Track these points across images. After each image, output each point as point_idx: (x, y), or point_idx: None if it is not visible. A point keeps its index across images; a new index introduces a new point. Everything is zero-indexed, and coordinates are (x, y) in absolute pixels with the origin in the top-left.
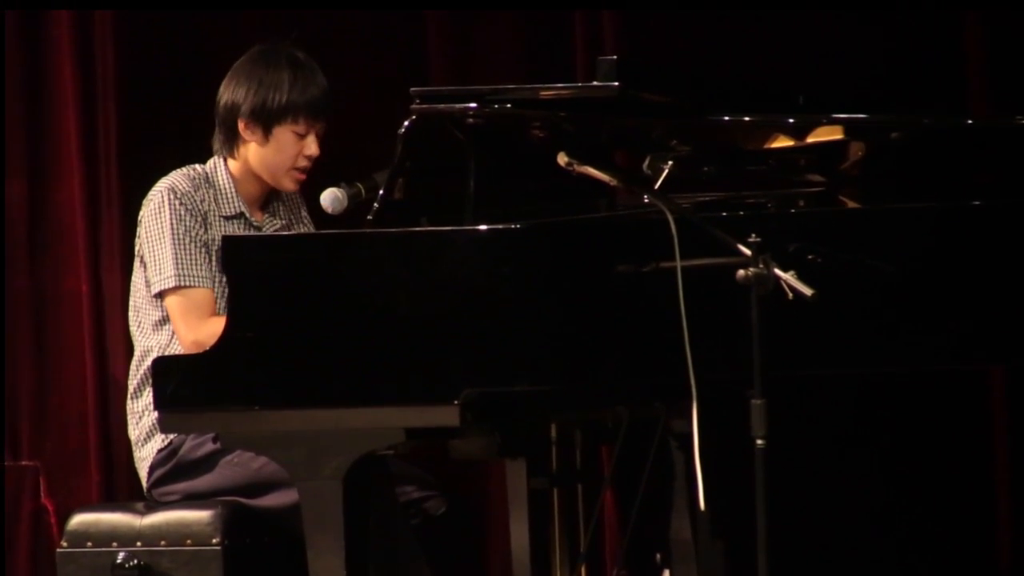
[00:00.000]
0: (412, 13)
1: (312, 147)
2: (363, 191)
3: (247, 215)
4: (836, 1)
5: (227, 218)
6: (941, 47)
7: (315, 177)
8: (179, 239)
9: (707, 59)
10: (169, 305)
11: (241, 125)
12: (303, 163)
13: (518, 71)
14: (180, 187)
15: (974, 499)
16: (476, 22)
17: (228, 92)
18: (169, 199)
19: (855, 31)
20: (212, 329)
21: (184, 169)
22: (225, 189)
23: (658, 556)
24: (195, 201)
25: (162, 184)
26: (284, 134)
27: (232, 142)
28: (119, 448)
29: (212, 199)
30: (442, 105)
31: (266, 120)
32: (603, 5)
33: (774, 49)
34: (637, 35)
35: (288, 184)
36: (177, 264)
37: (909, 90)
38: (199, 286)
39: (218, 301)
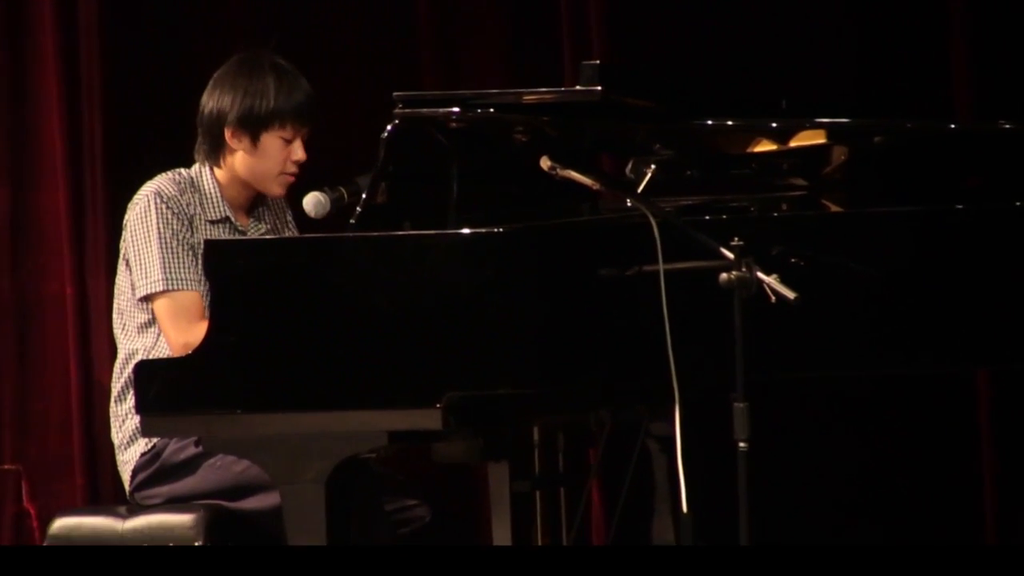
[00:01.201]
0: (400, 20)
1: (299, 152)
2: (346, 195)
3: (232, 219)
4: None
5: (213, 222)
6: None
7: (298, 181)
8: (166, 243)
9: (691, 64)
10: (158, 309)
11: (228, 134)
12: (291, 168)
13: (505, 76)
14: (166, 191)
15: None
16: (463, 24)
17: (212, 101)
18: (155, 203)
19: (839, 36)
20: (202, 332)
21: (169, 173)
22: (211, 193)
23: None
24: (181, 205)
25: (148, 188)
26: (272, 140)
27: (218, 151)
28: (103, 452)
29: (198, 203)
30: (425, 109)
31: (253, 128)
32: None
33: (758, 53)
34: (622, 38)
35: (276, 190)
36: (165, 268)
37: (892, 94)
38: (187, 289)
39: (205, 304)
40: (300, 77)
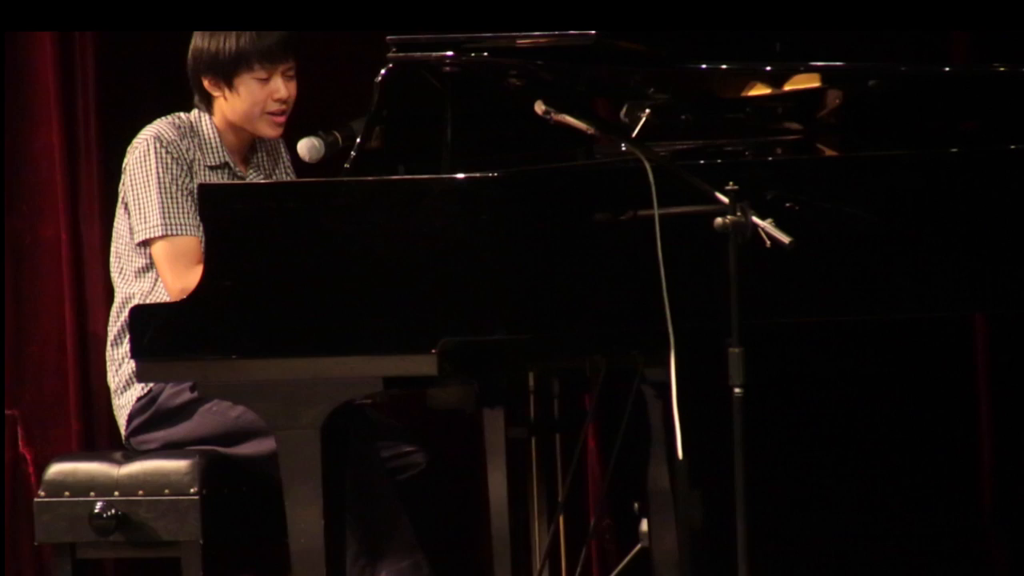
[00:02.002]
0: None
1: (280, 90)
2: (340, 140)
3: (232, 165)
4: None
5: (211, 168)
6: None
7: (292, 126)
8: (165, 187)
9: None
10: (156, 253)
11: (207, 83)
12: (275, 107)
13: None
14: (166, 135)
15: (956, 444)
16: None
17: (189, 54)
18: (155, 147)
19: None
20: (199, 277)
21: (169, 117)
22: (210, 139)
23: (636, 505)
24: (180, 150)
25: (147, 132)
26: (246, 83)
27: (206, 99)
28: (98, 397)
29: (197, 148)
30: (419, 53)
31: (225, 73)
32: None
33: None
34: None
35: (267, 130)
36: (164, 212)
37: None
38: (186, 234)
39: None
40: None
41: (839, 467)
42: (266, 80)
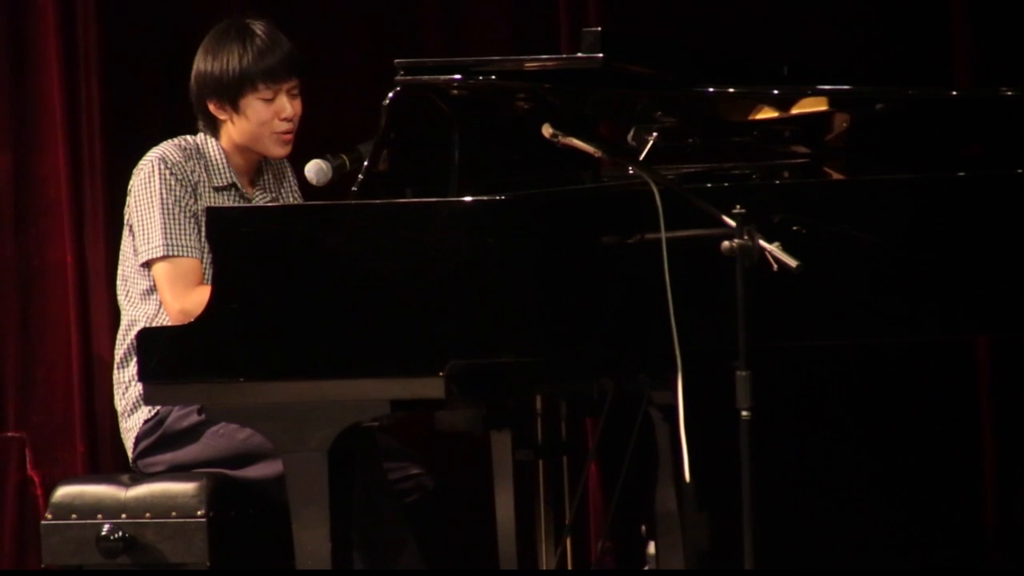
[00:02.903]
0: None
1: (286, 109)
2: (348, 162)
3: (239, 186)
4: None
5: (218, 189)
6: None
7: (300, 148)
8: (168, 209)
9: (690, 32)
10: (156, 274)
11: (212, 107)
12: (282, 126)
13: (505, 43)
14: (171, 157)
15: (961, 464)
16: None
17: (192, 77)
18: (159, 169)
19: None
20: (199, 298)
21: (175, 139)
22: (216, 160)
23: (643, 528)
24: (185, 171)
25: (152, 154)
26: (252, 104)
27: (211, 122)
28: (105, 419)
29: (203, 169)
30: (427, 77)
31: (230, 96)
32: None
33: (758, 20)
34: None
35: (275, 149)
36: (166, 233)
37: (893, 60)
38: (187, 256)
39: (206, 271)
40: (271, 36)
41: (846, 489)
42: (271, 100)
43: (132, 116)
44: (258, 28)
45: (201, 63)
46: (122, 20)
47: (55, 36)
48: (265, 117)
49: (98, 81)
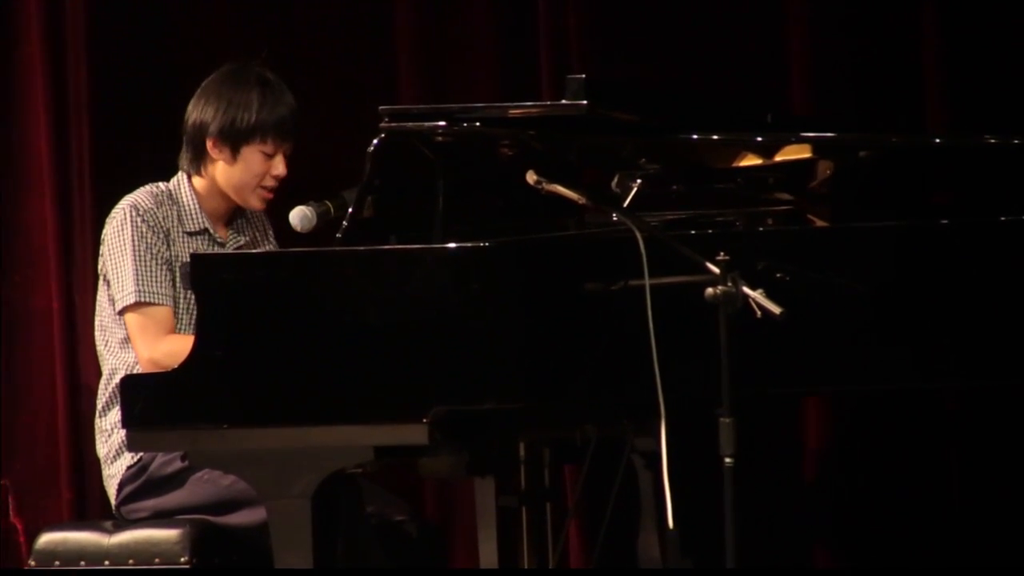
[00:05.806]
0: (383, 34)
1: (280, 167)
2: (332, 209)
3: (211, 231)
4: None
5: (190, 234)
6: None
7: (284, 195)
8: (140, 256)
9: (671, 78)
10: (128, 321)
11: (209, 144)
12: (270, 183)
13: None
14: (142, 204)
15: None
16: (446, 36)
17: (197, 111)
18: (131, 216)
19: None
20: (168, 347)
21: (148, 187)
22: (189, 206)
23: None
24: (157, 218)
25: (124, 202)
26: (252, 154)
27: (199, 160)
28: (89, 466)
29: (175, 216)
30: (411, 123)
31: (234, 140)
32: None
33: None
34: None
35: (255, 203)
36: (138, 280)
37: (868, 101)
38: (158, 303)
39: (181, 318)
40: (286, 92)
41: (830, 534)
42: (271, 155)
43: (122, 163)
44: (275, 81)
45: (214, 99)
46: (111, 64)
47: (43, 82)
48: (259, 170)
49: (88, 128)
